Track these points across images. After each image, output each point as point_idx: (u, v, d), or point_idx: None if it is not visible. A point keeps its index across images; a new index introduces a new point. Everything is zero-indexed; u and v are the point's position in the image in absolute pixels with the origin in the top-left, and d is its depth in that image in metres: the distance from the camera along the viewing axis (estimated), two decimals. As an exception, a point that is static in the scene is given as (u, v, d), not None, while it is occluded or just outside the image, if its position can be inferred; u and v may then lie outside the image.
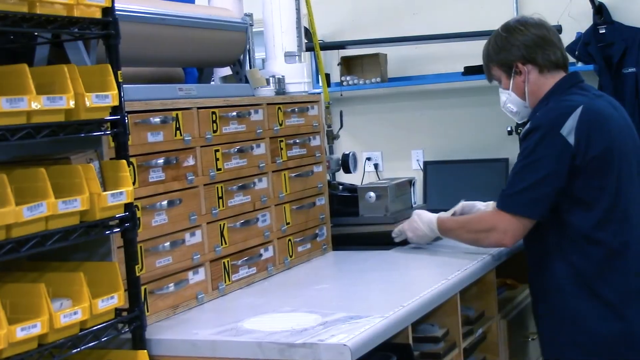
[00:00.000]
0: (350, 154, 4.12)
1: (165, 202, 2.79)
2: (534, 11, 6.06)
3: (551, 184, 3.04)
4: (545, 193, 3.05)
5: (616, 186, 3.07)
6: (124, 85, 2.40)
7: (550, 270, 3.15)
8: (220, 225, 3.07)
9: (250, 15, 3.56)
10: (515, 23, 3.29)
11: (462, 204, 3.65)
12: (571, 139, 3.00)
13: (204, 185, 3.00)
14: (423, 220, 3.53)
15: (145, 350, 2.43)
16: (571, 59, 4.95)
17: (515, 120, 3.40)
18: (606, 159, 3.04)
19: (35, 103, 2.08)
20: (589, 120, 3.03)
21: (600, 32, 5.81)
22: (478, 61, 6.18)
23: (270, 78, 3.63)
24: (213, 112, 3.07)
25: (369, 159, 6.67)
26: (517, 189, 3.09)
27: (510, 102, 3.31)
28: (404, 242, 3.68)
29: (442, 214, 3.53)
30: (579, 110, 3.03)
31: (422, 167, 6.45)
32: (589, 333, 3.08)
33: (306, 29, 4.67)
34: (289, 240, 3.48)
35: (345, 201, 3.98)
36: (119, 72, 2.36)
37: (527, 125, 3.14)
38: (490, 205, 3.56)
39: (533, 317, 3.36)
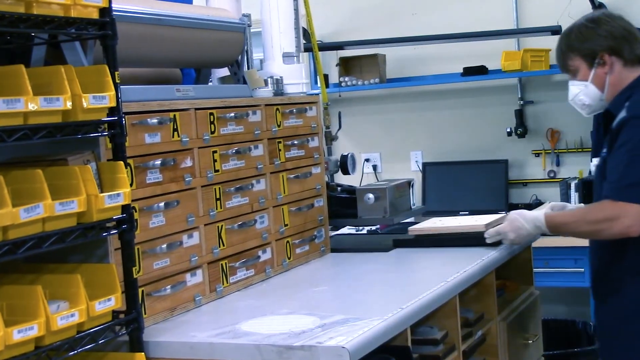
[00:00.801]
0: (349, 155, 4.12)
1: (162, 204, 2.80)
2: (534, 11, 6.10)
3: None
4: None
5: None
6: (121, 86, 2.40)
7: (631, 291, 3.15)
8: (218, 227, 3.08)
9: (248, 16, 3.57)
10: (600, 14, 3.29)
11: (552, 204, 3.61)
12: None
13: (202, 186, 3.01)
14: (527, 218, 3.41)
15: (143, 353, 2.43)
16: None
17: (583, 113, 3.35)
18: None
19: (32, 104, 2.08)
20: None
21: (600, 32, 5.81)
22: (477, 62, 6.23)
23: (269, 79, 3.63)
24: (211, 113, 3.07)
25: (367, 160, 6.68)
26: (635, 180, 3.01)
27: (584, 94, 3.26)
28: (497, 243, 3.60)
29: (547, 211, 3.44)
30: None
31: (421, 168, 6.46)
32: None
33: (304, 30, 4.67)
34: (287, 242, 3.48)
35: (343, 203, 3.98)
36: (116, 72, 2.37)
37: (623, 113, 3.09)
38: (581, 206, 3.54)
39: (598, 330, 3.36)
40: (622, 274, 3.16)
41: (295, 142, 3.57)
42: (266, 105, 3.40)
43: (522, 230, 3.44)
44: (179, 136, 2.90)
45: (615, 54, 3.20)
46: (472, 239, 3.62)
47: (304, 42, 4.17)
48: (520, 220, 3.43)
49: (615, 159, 3.07)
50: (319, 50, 4.83)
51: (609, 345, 3.28)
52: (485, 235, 3.57)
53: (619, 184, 3.03)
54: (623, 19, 3.29)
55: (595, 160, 3.30)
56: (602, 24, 3.24)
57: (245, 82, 3.50)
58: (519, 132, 6.19)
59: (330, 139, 4.25)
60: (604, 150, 3.18)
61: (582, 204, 3.55)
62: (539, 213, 3.38)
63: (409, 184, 4.14)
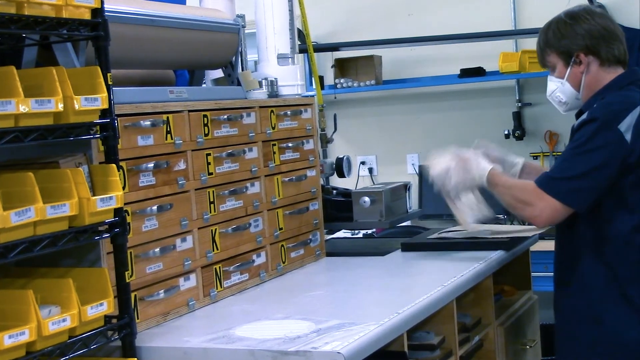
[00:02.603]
0: (345, 157, 4.13)
1: (155, 207, 2.80)
2: (533, 12, 6.11)
3: (600, 178, 3.02)
4: (591, 185, 3.03)
5: None
6: (113, 88, 2.40)
7: (582, 268, 3.15)
8: (211, 230, 3.08)
9: (242, 17, 3.57)
10: (580, 11, 3.24)
11: (527, 162, 3.55)
12: (628, 136, 2.99)
13: (195, 189, 3.01)
14: (479, 163, 3.28)
15: (136, 358, 2.44)
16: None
17: (560, 110, 3.34)
18: None
19: (23, 106, 2.08)
20: None
21: (599, 33, 5.83)
22: (474, 63, 6.24)
23: (263, 80, 3.63)
24: (204, 115, 3.08)
25: (363, 163, 6.69)
26: (564, 175, 3.05)
27: (561, 91, 3.25)
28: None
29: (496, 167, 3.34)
30: (639, 108, 3.03)
31: (417, 171, 6.47)
32: (612, 337, 3.09)
33: (299, 31, 4.68)
34: (282, 245, 3.48)
35: (339, 206, 3.98)
36: (108, 74, 2.37)
37: (584, 116, 3.10)
38: (519, 164, 3.50)
39: (554, 312, 3.33)
40: (577, 252, 3.16)
41: (290, 144, 3.58)
42: (260, 107, 3.40)
43: (467, 173, 3.30)
44: (172, 138, 2.90)
45: (592, 54, 3.17)
46: (484, 244, 3.60)
47: (299, 43, 4.18)
48: (472, 161, 3.29)
49: (562, 154, 3.13)
50: (314, 52, 4.84)
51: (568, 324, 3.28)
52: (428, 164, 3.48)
53: (549, 175, 3.09)
54: (604, 17, 3.24)
55: None
56: (581, 21, 3.19)
57: (239, 84, 3.50)
58: (517, 134, 6.20)
59: (325, 141, 4.25)
60: None
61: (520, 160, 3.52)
62: (487, 164, 3.27)
63: (406, 187, 4.15)
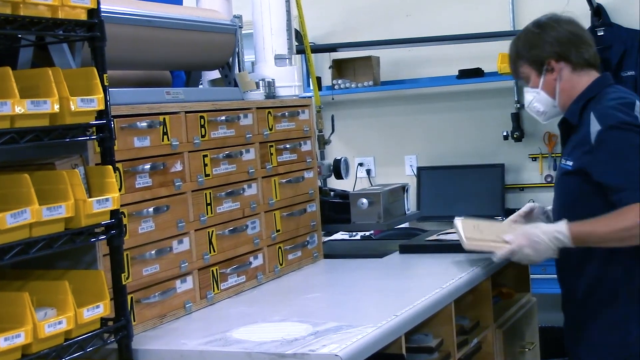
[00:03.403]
0: (342, 159, 4.13)
1: (152, 209, 2.80)
2: (531, 13, 6.11)
3: None
4: None
5: None
6: (109, 89, 2.40)
7: (600, 273, 3.13)
8: (208, 232, 3.08)
9: (239, 17, 3.57)
10: (547, 19, 3.26)
11: (531, 205, 3.53)
12: None
13: (192, 191, 3.01)
14: (544, 230, 3.12)
15: (132, 361, 2.44)
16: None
17: (540, 120, 3.35)
18: None
19: (19, 107, 2.08)
20: None
21: (598, 34, 5.84)
22: (473, 64, 6.25)
23: (260, 81, 3.64)
24: (201, 117, 3.08)
25: (361, 164, 6.69)
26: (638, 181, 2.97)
27: (537, 101, 3.26)
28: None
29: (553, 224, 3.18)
30: (638, 103, 3.06)
31: (415, 172, 6.47)
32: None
33: (297, 31, 4.69)
34: (279, 247, 3.49)
35: (336, 208, 3.99)
36: (104, 75, 2.37)
37: (597, 127, 3.03)
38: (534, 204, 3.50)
39: (564, 322, 3.33)
40: (593, 256, 3.13)
41: (288, 146, 3.58)
42: (258, 108, 3.41)
43: (541, 245, 3.11)
44: (168, 140, 2.90)
45: (563, 60, 3.19)
46: None
47: (297, 44, 4.18)
48: (537, 233, 3.12)
49: (615, 168, 3.01)
50: (312, 52, 4.84)
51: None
52: (495, 258, 3.27)
53: (632, 187, 2.97)
54: (572, 22, 3.25)
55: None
56: (549, 29, 3.21)
57: (236, 85, 3.50)
58: (515, 135, 6.21)
59: (323, 142, 4.26)
60: (568, 162, 3.15)
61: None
62: (558, 224, 3.09)
63: (404, 188, 4.15)
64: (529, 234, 3.14)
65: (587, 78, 3.20)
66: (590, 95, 3.16)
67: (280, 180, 3.51)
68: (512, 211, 3.67)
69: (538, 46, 3.21)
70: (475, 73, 6.15)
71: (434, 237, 3.86)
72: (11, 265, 2.41)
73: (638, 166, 2.97)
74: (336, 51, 6.49)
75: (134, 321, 2.68)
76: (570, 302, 3.30)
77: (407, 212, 4.15)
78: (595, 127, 3.05)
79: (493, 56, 5.99)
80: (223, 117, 3.18)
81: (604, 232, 3.03)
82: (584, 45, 3.21)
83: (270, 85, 3.66)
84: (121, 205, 2.41)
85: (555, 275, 3.39)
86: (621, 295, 3.11)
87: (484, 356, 3.46)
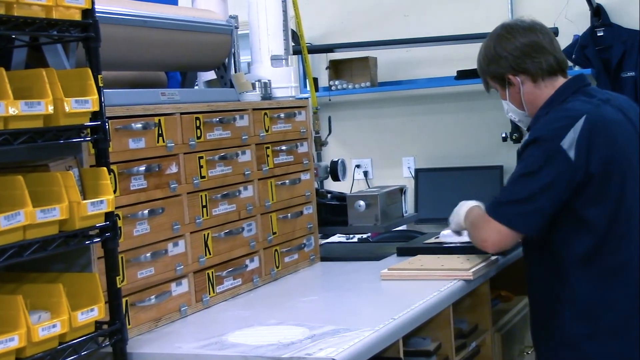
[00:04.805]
0: (339, 161, 4.13)
1: (147, 211, 2.80)
2: (530, 13, 6.12)
3: (546, 200, 2.98)
4: (538, 208, 3.00)
5: (618, 200, 3.01)
6: (104, 90, 2.41)
7: (549, 292, 3.14)
8: (204, 235, 3.08)
9: (235, 18, 3.57)
10: (501, 30, 3.23)
11: None
12: (572, 153, 2.94)
13: (188, 193, 3.01)
14: (463, 206, 3.46)
15: (127, 365, 2.44)
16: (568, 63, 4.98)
17: (522, 127, 3.40)
18: (609, 174, 2.98)
19: (13, 108, 2.09)
20: (591, 133, 2.96)
21: (598, 34, 5.86)
22: (471, 65, 6.21)
23: (256, 82, 3.64)
24: (197, 118, 3.08)
25: (358, 166, 6.70)
26: (509, 199, 3.06)
27: (511, 111, 3.28)
28: None
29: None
30: (581, 122, 2.97)
31: (413, 174, 6.48)
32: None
33: (293, 32, 4.69)
34: (276, 250, 3.49)
35: (333, 210, 3.99)
36: (99, 76, 2.38)
37: (527, 136, 3.11)
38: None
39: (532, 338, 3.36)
40: (543, 275, 3.18)
41: (284, 147, 3.58)
42: (254, 109, 3.41)
43: (456, 216, 3.48)
44: (164, 141, 2.91)
45: (521, 73, 3.17)
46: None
47: (293, 44, 4.18)
48: (460, 207, 3.47)
49: (509, 178, 3.14)
50: (309, 53, 4.85)
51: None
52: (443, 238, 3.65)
53: (495, 200, 3.12)
54: (529, 30, 3.19)
55: None
56: (503, 41, 3.19)
57: (232, 86, 3.51)
58: (514, 137, 6.21)
59: (319, 144, 4.26)
60: None
61: None
62: (465, 205, 3.45)
63: (401, 190, 4.16)
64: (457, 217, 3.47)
65: (552, 86, 3.17)
66: (555, 103, 3.13)
67: (277, 182, 3.52)
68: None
69: (494, 61, 3.21)
70: (473, 74, 6.08)
71: (433, 239, 3.86)
72: (5, 268, 2.39)
73: (524, 192, 3.02)
74: (333, 52, 6.50)
75: (129, 324, 2.69)
76: (530, 305, 3.36)
77: (404, 215, 4.16)
78: (526, 135, 3.15)
79: (492, 57, 5.99)
80: (219, 119, 3.19)
81: (468, 222, 3.35)
82: (540, 54, 3.16)
83: (266, 86, 3.66)
84: (116, 208, 2.41)
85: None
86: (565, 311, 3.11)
87: (482, 360, 3.47)
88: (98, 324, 2.36)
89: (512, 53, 3.17)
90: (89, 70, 2.35)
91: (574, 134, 2.96)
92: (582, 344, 3.05)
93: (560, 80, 3.19)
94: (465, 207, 3.43)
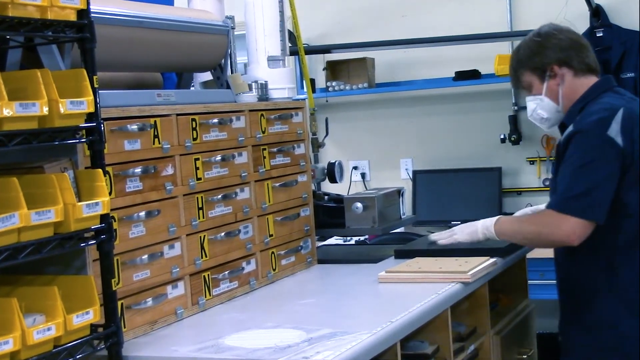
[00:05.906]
0: (336, 162, 4.14)
1: (142, 213, 2.80)
2: (529, 14, 6.13)
3: (610, 186, 3.10)
4: (605, 195, 3.10)
5: None
6: (99, 91, 2.41)
7: (589, 276, 3.23)
8: (200, 237, 3.09)
9: (231, 18, 3.58)
10: (547, 28, 3.38)
11: (532, 208, 3.76)
12: (619, 140, 3.09)
13: (184, 195, 3.01)
14: (483, 222, 3.49)
15: (122, 368, 2.44)
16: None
17: (544, 128, 3.47)
18: None
19: (7, 109, 2.09)
20: (632, 123, 3.13)
21: (597, 35, 5.85)
22: (469, 66, 6.26)
23: (253, 83, 3.64)
24: (193, 119, 3.08)
25: (355, 168, 6.70)
26: (576, 192, 3.11)
27: (541, 108, 3.37)
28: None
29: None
30: (620, 113, 3.13)
31: (411, 176, 6.48)
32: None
33: (290, 33, 4.70)
34: (272, 252, 3.49)
35: (331, 212, 4.00)
36: (94, 77, 2.37)
37: (570, 128, 3.20)
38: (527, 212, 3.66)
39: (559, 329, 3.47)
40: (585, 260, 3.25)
41: (281, 149, 3.58)
42: (250, 110, 3.41)
43: (471, 227, 3.49)
44: (159, 143, 2.91)
45: (564, 65, 3.31)
46: (479, 251, 3.59)
47: (290, 45, 4.19)
48: (476, 223, 3.48)
49: (563, 172, 3.19)
50: (305, 54, 4.86)
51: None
52: (431, 237, 3.64)
53: (563, 196, 3.15)
54: (570, 31, 3.40)
55: None
56: (549, 37, 3.34)
57: (228, 87, 3.51)
58: (513, 138, 6.21)
59: (317, 145, 4.27)
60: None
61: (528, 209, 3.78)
62: (492, 219, 3.45)
63: (399, 192, 4.16)
64: (470, 224, 3.50)
65: (588, 83, 3.32)
66: (589, 99, 3.26)
67: (274, 184, 3.52)
68: (509, 215, 3.69)
69: (540, 53, 3.33)
70: (472, 75, 6.16)
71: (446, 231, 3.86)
72: (-1, 270, 2.41)
73: (589, 182, 3.09)
74: (330, 52, 6.50)
75: (125, 327, 2.69)
76: (563, 290, 3.42)
77: (402, 217, 4.16)
78: (570, 127, 3.22)
79: (490, 58, 6.00)
80: (215, 120, 3.19)
81: (519, 231, 3.36)
82: (584, 50, 3.35)
83: (263, 87, 3.66)
84: (111, 210, 2.41)
85: (553, 281, 3.43)
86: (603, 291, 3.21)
87: (480, 363, 3.47)
88: (93, 327, 2.36)
89: (559, 46, 3.32)
90: (84, 71, 2.35)
91: (617, 124, 3.12)
92: (620, 325, 3.18)
93: (594, 79, 3.34)
94: (483, 220, 3.47)
